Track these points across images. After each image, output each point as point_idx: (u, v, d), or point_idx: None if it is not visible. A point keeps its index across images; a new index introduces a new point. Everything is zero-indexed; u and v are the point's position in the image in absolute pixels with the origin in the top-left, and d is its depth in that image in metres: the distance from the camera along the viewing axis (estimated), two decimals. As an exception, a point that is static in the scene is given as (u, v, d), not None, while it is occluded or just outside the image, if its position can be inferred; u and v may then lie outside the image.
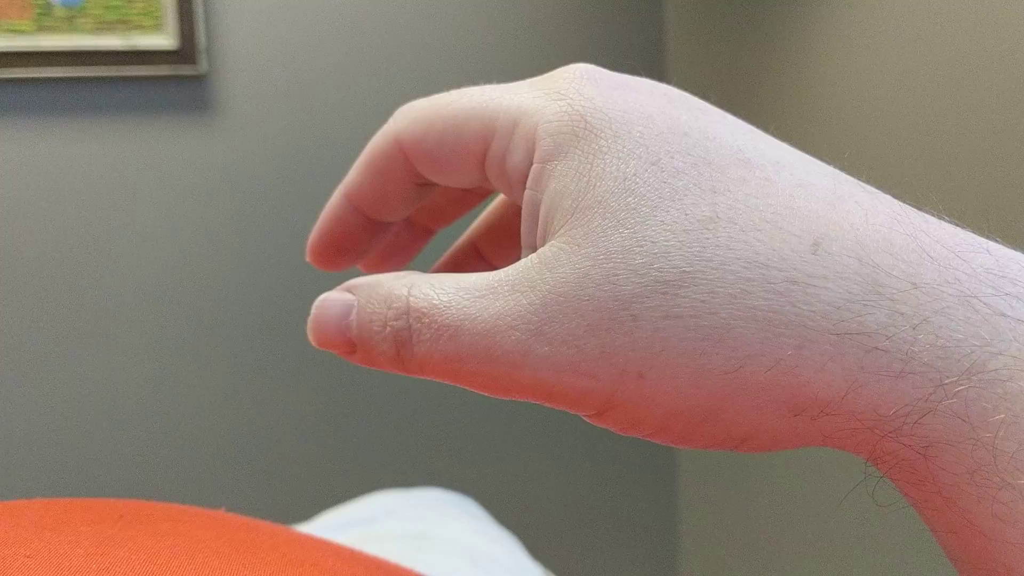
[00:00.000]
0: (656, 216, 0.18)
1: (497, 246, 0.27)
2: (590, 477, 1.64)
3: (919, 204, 0.19)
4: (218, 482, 1.46)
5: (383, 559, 0.32)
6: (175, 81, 1.40)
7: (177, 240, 1.43)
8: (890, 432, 0.17)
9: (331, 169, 1.46)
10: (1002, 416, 0.16)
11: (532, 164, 0.20)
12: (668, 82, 0.21)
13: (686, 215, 0.18)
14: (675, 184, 0.18)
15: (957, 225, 0.19)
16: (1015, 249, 0.18)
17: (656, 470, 1.68)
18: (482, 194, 0.27)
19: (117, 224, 1.41)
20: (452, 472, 1.55)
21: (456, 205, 0.27)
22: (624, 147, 0.19)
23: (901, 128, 1.05)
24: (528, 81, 0.22)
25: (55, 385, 1.40)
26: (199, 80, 1.41)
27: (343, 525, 0.71)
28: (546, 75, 0.22)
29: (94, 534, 0.24)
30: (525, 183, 0.20)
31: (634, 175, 0.18)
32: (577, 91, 0.20)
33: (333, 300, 0.22)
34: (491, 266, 0.28)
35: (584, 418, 0.20)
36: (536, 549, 0.87)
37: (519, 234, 0.22)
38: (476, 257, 0.28)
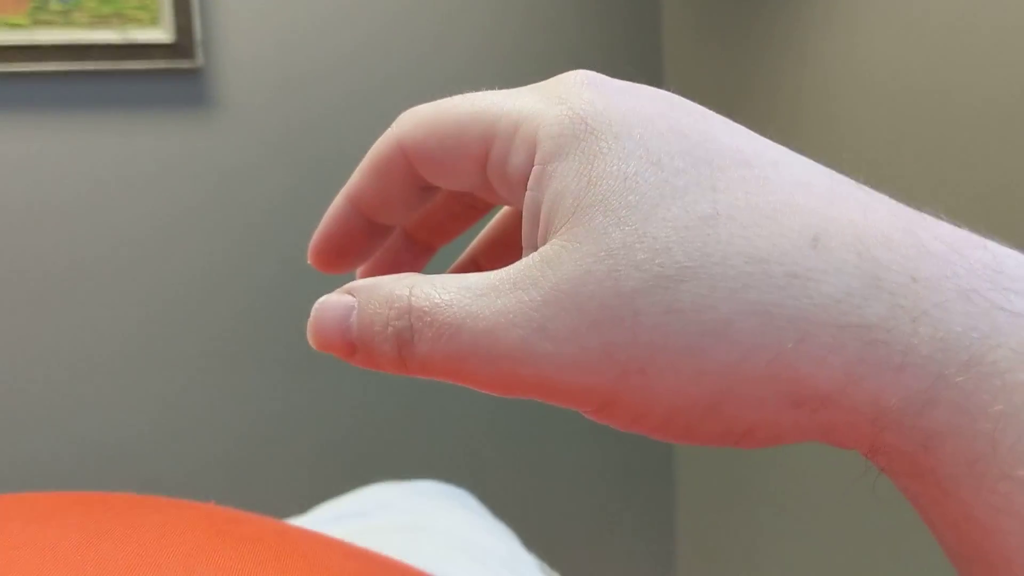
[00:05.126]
0: (657, 213, 0.18)
1: (499, 260, 0.27)
2: (586, 468, 1.64)
3: (917, 206, 0.19)
4: (213, 474, 1.46)
5: (375, 552, 0.32)
6: (171, 75, 1.40)
7: (174, 234, 1.43)
8: (890, 424, 0.17)
9: (328, 162, 1.46)
10: (1001, 407, 0.16)
11: (533, 166, 0.20)
12: (666, 90, 0.21)
13: (687, 212, 0.18)
14: (676, 183, 0.18)
15: (954, 224, 0.19)
16: (1011, 248, 0.18)
17: (653, 460, 1.68)
18: (483, 208, 0.27)
19: (113, 218, 1.41)
20: (447, 464, 1.55)
21: (457, 220, 0.27)
22: (625, 147, 0.19)
23: (898, 139, 1.05)
24: (529, 87, 0.22)
25: (46, 379, 1.40)
26: (195, 74, 1.41)
27: (338, 517, 0.71)
28: (547, 81, 0.22)
29: (82, 526, 0.25)
30: (526, 185, 0.21)
31: (635, 174, 0.19)
32: (578, 95, 0.20)
33: (333, 302, 0.22)
34: None
35: (584, 415, 0.20)
36: (531, 540, 0.87)
37: (520, 246, 0.22)
38: (476, 270, 0.28)
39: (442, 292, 0.20)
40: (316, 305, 0.22)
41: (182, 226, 1.43)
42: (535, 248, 0.20)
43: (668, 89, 0.21)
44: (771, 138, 0.21)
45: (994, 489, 0.16)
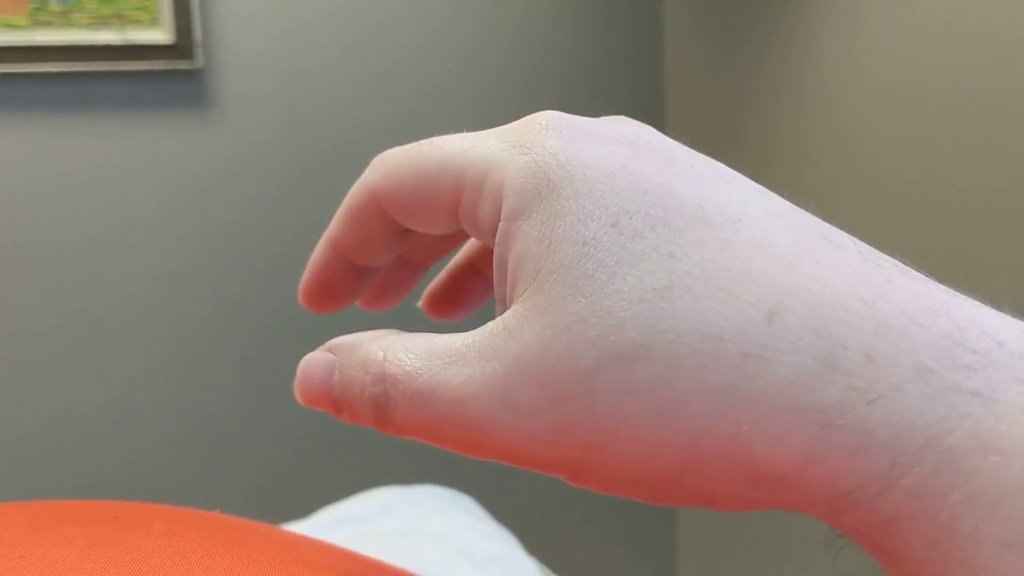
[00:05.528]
0: (613, 284, 0.18)
1: (490, 264, 0.27)
2: (587, 472, 1.64)
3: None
4: (215, 478, 1.46)
5: (377, 559, 0.32)
6: (171, 76, 1.40)
7: (173, 234, 1.43)
8: (847, 507, 0.17)
9: (327, 163, 1.46)
10: (957, 496, 0.16)
11: (499, 221, 0.20)
12: (666, 115, 0.21)
13: (642, 283, 0.18)
14: (633, 248, 0.18)
15: (919, 277, 0.18)
16: (981, 303, 0.18)
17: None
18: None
19: (113, 219, 1.40)
20: (449, 469, 1.55)
21: (447, 241, 0.27)
22: (584, 208, 0.19)
23: (897, 135, 1.06)
24: (497, 130, 0.22)
25: (46, 381, 1.40)
26: (195, 75, 1.41)
27: (340, 522, 0.71)
28: (514, 124, 0.22)
29: (88, 535, 0.25)
30: (495, 236, 0.21)
31: (593, 239, 0.19)
32: (541, 144, 0.20)
33: (316, 361, 0.23)
34: (486, 280, 0.28)
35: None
36: (532, 545, 0.87)
37: None
38: (472, 273, 0.28)
39: (413, 359, 0.20)
40: (301, 363, 0.23)
41: (182, 226, 1.43)
42: (504, 302, 0.21)
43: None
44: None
45: (954, 574, 0.16)
